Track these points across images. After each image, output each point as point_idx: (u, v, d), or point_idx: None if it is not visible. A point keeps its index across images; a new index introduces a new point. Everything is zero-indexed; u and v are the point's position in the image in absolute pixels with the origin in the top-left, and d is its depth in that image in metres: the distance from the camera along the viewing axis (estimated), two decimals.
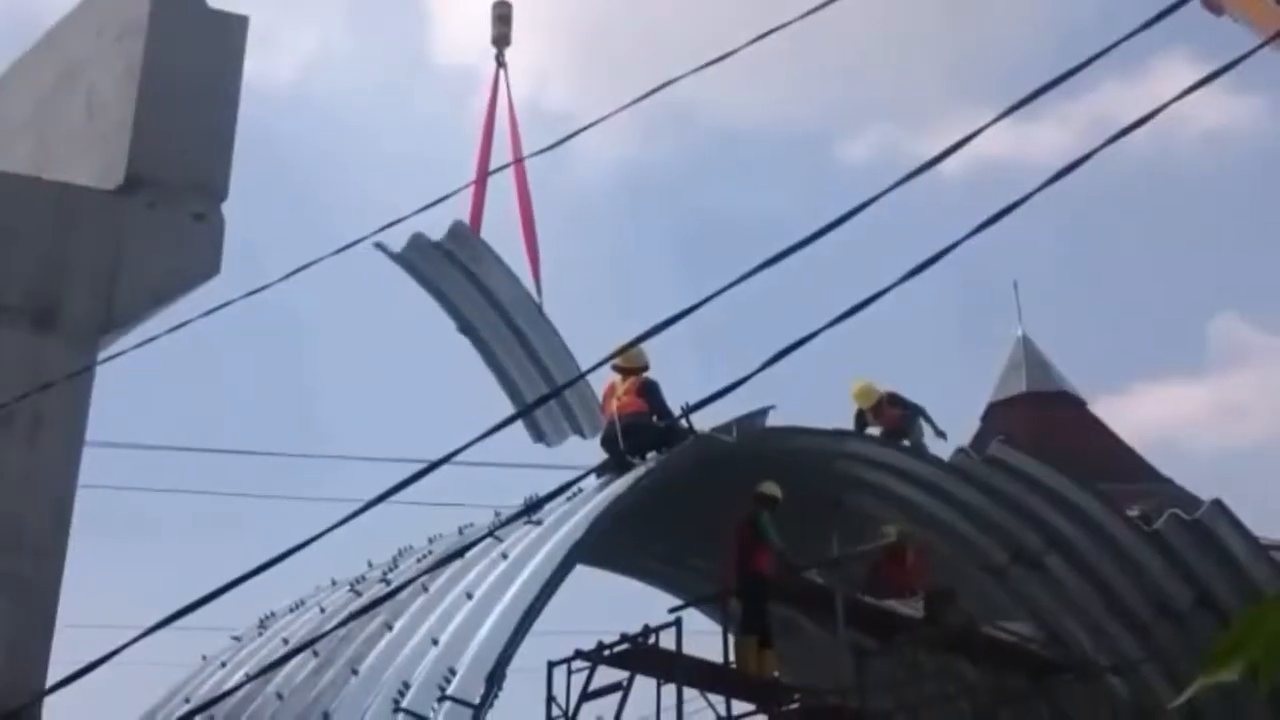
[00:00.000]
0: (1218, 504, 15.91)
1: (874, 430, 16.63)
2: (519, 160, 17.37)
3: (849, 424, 16.37)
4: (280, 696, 12.07)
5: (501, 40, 18.34)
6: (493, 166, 18.08)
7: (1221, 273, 47.96)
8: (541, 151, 17.34)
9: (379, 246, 16.20)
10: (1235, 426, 47.27)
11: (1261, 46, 5.72)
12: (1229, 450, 43.74)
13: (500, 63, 18.40)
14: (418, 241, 16.73)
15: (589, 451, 14.88)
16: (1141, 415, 42.33)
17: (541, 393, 16.82)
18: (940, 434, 16.74)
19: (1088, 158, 4.05)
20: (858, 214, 4.70)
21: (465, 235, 17.29)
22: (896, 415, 16.69)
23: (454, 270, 17.30)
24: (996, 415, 26.75)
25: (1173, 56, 37.41)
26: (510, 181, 18.00)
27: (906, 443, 16.38)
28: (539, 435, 17.42)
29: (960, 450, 16.27)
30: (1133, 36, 5.43)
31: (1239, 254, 47.68)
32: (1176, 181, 47.36)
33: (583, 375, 14.78)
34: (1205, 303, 48.95)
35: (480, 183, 17.64)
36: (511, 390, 17.55)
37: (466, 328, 17.53)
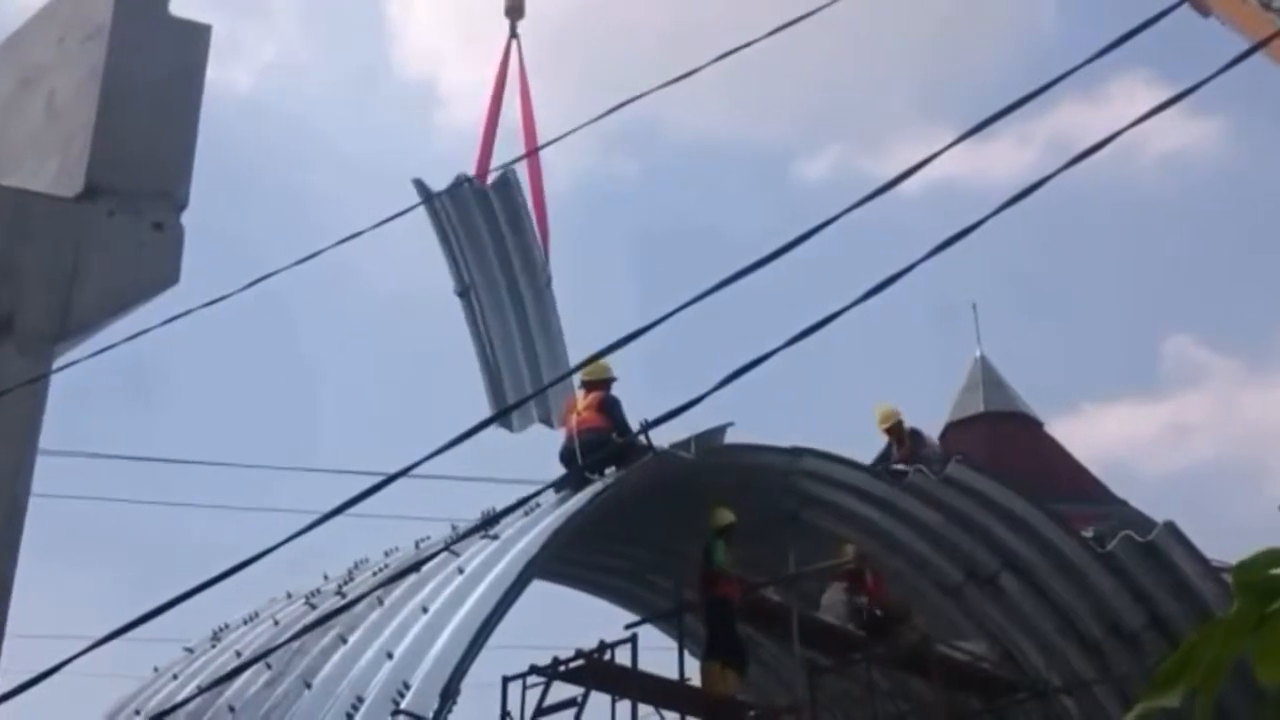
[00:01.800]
0: (1170, 526, 16.06)
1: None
2: (532, 137, 17.18)
3: (805, 442, 16.40)
4: (232, 709, 11.97)
5: (514, 11, 18.22)
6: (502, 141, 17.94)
7: (1176, 295, 48.51)
8: (508, 165, 17.37)
9: (418, 183, 16.21)
10: (1188, 447, 47.77)
11: (1245, 57, 5.78)
12: (1181, 471, 44.19)
13: (513, 33, 18.18)
14: (460, 181, 16.68)
15: (548, 467, 14.85)
16: (1095, 436, 42.73)
17: (520, 370, 16.65)
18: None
19: (1044, 182, 4.10)
20: (817, 233, 4.73)
21: (512, 189, 17.16)
22: (911, 452, 17.00)
23: (480, 222, 17.14)
24: (954, 435, 26.90)
25: (1132, 78, 37.85)
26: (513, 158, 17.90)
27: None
28: (504, 420, 17.03)
29: (918, 469, 16.36)
30: (1091, 62, 5.50)
31: (1194, 276, 48.25)
32: (1135, 203, 47.89)
33: (571, 373, 14.74)
34: (1160, 324, 49.51)
35: (485, 157, 17.46)
36: (489, 365, 17.21)
37: (465, 290, 17.21)
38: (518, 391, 16.97)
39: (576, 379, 14.44)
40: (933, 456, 16.92)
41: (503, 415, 15.82)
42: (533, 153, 17.05)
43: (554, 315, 17.20)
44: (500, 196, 17.11)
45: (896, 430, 17.42)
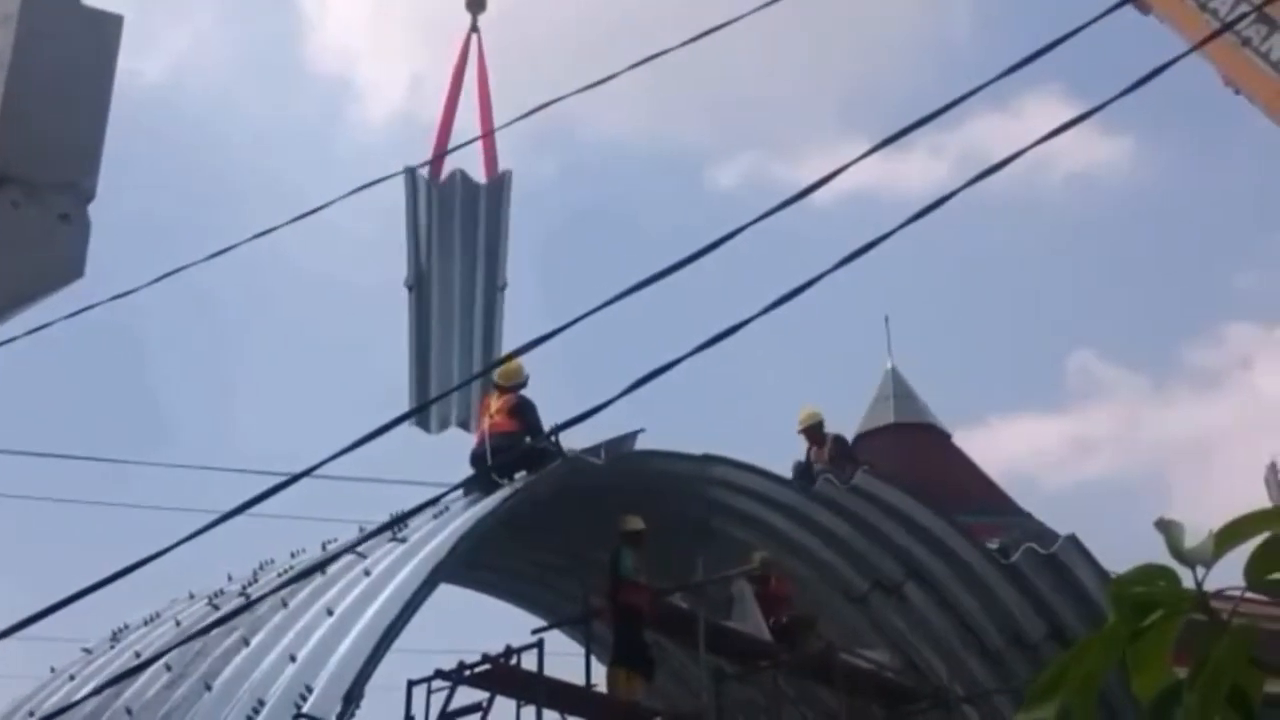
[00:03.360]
0: (1072, 539, 16.34)
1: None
2: (488, 134, 17.06)
3: (718, 449, 16.47)
4: (130, 711, 11.78)
5: (476, 4, 18.13)
6: (457, 139, 17.77)
7: (1082, 310, 49.39)
8: (421, 165, 17.25)
9: (409, 170, 16.32)
10: (1090, 461, 48.66)
11: (1171, 64, 5.90)
12: (1083, 484, 44.97)
13: (474, 28, 18.02)
14: (456, 177, 16.74)
15: (460, 470, 14.78)
16: (1000, 448, 43.40)
17: (452, 372, 16.50)
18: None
19: (951, 196, 4.17)
20: (729, 240, 4.77)
21: (505, 188, 17.14)
22: (831, 457, 17.12)
23: (457, 217, 16.97)
24: (864, 445, 27.14)
25: (1046, 92, 38.50)
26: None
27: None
28: (423, 419, 16.93)
29: (826, 479, 16.50)
30: (1005, 76, 5.59)
31: (1098, 292, 49.15)
32: (1043, 218, 48.69)
33: (484, 372, 14.66)
34: (1065, 339, 50.38)
35: (441, 148, 17.29)
36: (420, 362, 16.98)
37: (416, 282, 17.00)
38: (439, 391, 16.81)
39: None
40: (848, 466, 17.05)
41: (418, 412, 15.70)
42: (487, 137, 16.96)
43: (498, 321, 17.12)
44: (491, 195, 17.02)
45: (813, 432, 17.52)
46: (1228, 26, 10.42)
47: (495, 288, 17.06)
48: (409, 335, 16.95)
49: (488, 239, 17.09)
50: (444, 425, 16.69)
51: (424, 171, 16.88)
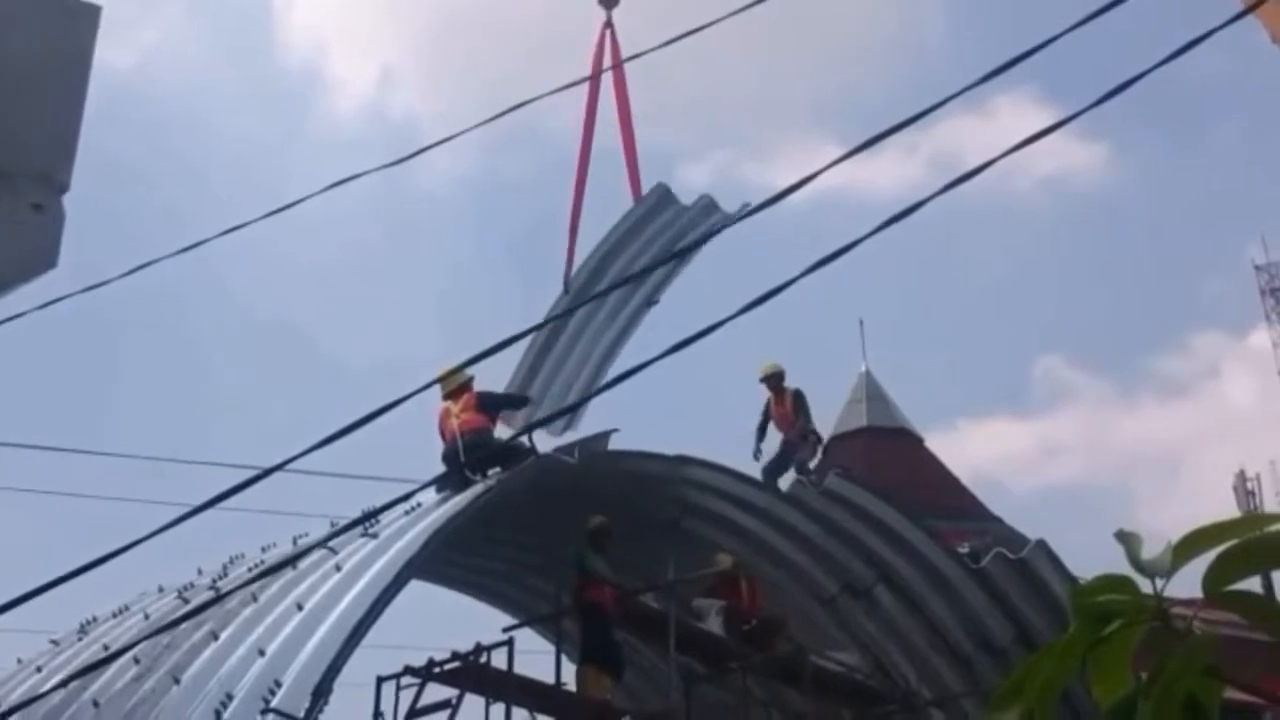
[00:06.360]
0: (1041, 544, 16.42)
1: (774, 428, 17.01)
2: (629, 131, 16.93)
3: (692, 451, 16.42)
4: (97, 704, 11.72)
5: (609, 1, 17.90)
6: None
7: (1052, 315, 49.65)
8: (390, 165, 17.22)
9: (663, 188, 16.96)
10: (1057, 465, 48.92)
11: (1152, 70, 5.90)
12: (1051, 488, 45.24)
13: (608, 23, 17.69)
14: (702, 201, 17.01)
15: (430, 466, 14.77)
16: (970, 451, 43.60)
17: (560, 375, 16.41)
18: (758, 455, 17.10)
19: (924, 203, 4.19)
20: (702, 245, 4.79)
21: (713, 215, 17.06)
22: (791, 415, 17.09)
23: (656, 235, 17.04)
24: (837, 448, 27.19)
25: (1019, 95, 38.70)
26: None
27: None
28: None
29: (798, 481, 16.54)
30: (977, 85, 5.62)
31: (1067, 298, 49.40)
32: (1016, 223, 48.95)
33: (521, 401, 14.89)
34: (1033, 343, 50.60)
35: (585, 149, 17.10)
36: (536, 361, 16.90)
37: (577, 286, 16.80)
38: (547, 394, 16.64)
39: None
40: (805, 437, 17.09)
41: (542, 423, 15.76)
42: (630, 153, 16.88)
43: (630, 333, 17.06)
44: (701, 218, 16.95)
45: (773, 381, 17.42)
46: None
47: (646, 302, 17.03)
48: (537, 333, 16.61)
49: (670, 262, 16.94)
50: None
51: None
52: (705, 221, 17.13)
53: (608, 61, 17.51)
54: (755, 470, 17.08)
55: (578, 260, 17.05)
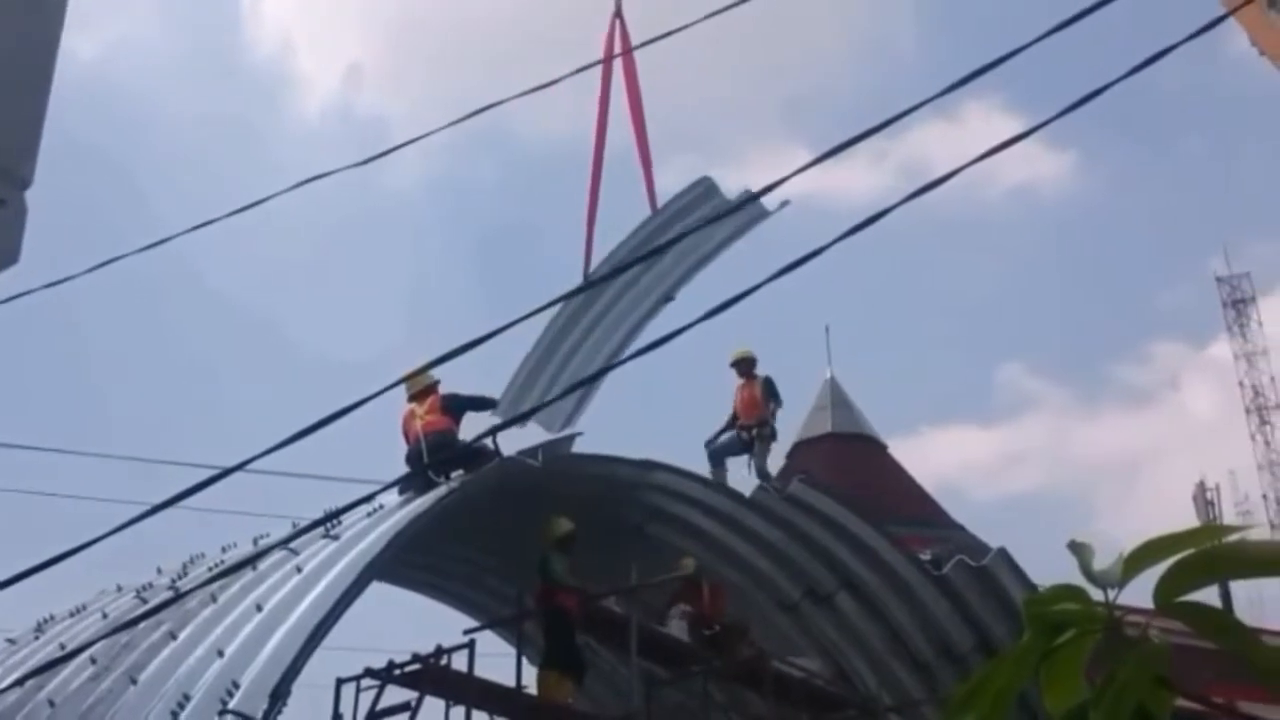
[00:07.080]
0: (1002, 552, 16.53)
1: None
2: (641, 127, 16.66)
3: (652, 455, 16.40)
4: (52, 703, 11.62)
5: None
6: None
7: (1014, 323, 50.00)
8: (358, 164, 17.15)
9: (706, 180, 16.52)
10: (1018, 472, 49.23)
11: (1082, 103, 5.94)
12: (1011, 495, 45.51)
13: (618, 12, 16.94)
14: (745, 198, 16.39)
15: (393, 467, 14.72)
16: (932, 458, 43.84)
17: (567, 369, 16.20)
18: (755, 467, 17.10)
19: (889, 211, 4.21)
20: (671, 246, 4.79)
21: (751, 215, 16.59)
22: (760, 400, 17.11)
23: (683, 231, 16.71)
24: (801, 454, 27.31)
25: (987, 103, 38.96)
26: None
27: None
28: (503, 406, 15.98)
29: (761, 487, 16.58)
30: (946, 94, 5.65)
31: (1029, 305, 49.76)
32: (982, 231, 49.28)
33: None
34: (997, 351, 50.93)
35: (600, 139, 16.85)
36: (545, 354, 16.41)
37: (591, 283, 16.14)
38: (553, 388, 16.40)
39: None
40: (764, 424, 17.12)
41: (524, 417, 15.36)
42: (644, 150, 16.61)
43: (638, 334, 16.84)
44: (739, 217, 16.46)
45: (743, 366, 17.43)
46: None
47: (664, 298, 16.88)
48: (550, 324, 16.25)
49: (695, 258, 16.79)
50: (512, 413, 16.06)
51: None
52: (740, 217, 16.74)
53: (617, 57, 17.36)
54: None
55: (597, 253, 16.72)
